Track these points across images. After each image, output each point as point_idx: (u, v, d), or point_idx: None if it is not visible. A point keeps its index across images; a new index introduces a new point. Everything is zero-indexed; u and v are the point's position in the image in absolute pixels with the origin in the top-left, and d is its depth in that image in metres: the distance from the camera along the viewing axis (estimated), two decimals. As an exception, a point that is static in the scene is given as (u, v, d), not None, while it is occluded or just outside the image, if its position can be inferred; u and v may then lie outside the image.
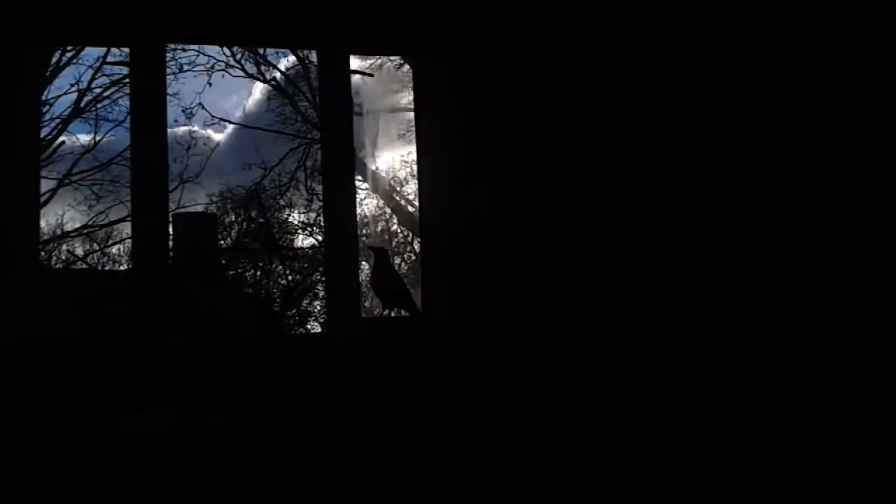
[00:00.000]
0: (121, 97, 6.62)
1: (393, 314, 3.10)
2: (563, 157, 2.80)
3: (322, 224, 4.18)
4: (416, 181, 3.20)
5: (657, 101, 2.82)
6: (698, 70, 2.83)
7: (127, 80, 6.00)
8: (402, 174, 6.67)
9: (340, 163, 2.96)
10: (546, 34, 2.82)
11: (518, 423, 2.57)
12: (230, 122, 6.94)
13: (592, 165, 2.80)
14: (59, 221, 6.52)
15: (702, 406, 2.62)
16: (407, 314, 3.09)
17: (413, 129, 3.08)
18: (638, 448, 2.56)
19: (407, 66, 3.93)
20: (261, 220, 6.32)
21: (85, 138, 6.67)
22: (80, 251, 6.71)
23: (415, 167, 3.21)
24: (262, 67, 6.96)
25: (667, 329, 2.70)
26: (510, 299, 2.74)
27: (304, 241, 6.29)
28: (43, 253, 5.55)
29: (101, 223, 6.70)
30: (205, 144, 6.83)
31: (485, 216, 2.83)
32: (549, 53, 2.80)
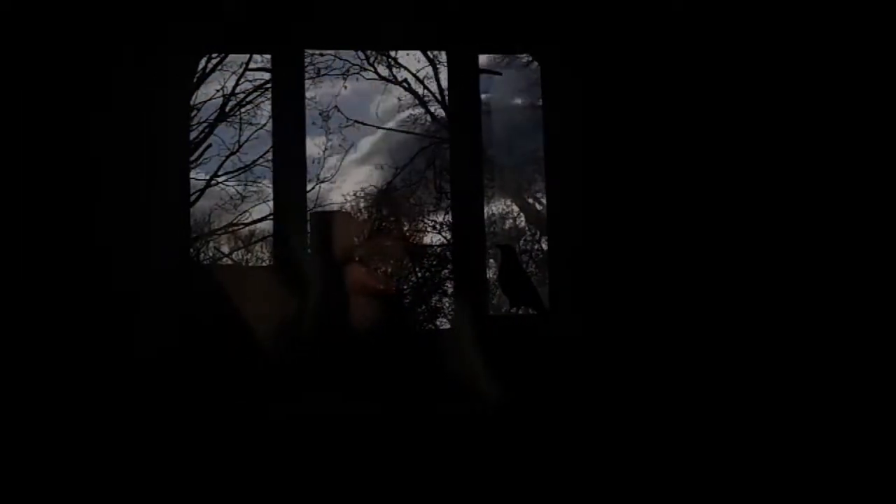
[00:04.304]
0: (263, 101, 6.95)
1: (520, 312, 3.12)
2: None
3: (451, 222, 4.24)
4: (544, 179, 3.19)
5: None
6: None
7: (269, 85, 6.31)
8: (529, 172, 6.66)
9: (469, 162, 3.00)
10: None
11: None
12: (363, 124, 7.15)
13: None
14: (207, 219, 6.93)
15: None
16: (534, 312, 3.10)
17: (540, 127, 3.08)
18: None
19: (535, 64, 3.93)
20: (392, 219, 6.50)
21: (230, 141, 7.05)
22: (225, 248, 7.11)
23: (542, 165, 3.21)
24: (394, 70, 7.13)
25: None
26: (626, 298, 2.70)
27: (433, 238, 6.42)
28: (192, 250, 5.93)
29: (245, 221, 7.07)
30: (340, 145, 7.08)
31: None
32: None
